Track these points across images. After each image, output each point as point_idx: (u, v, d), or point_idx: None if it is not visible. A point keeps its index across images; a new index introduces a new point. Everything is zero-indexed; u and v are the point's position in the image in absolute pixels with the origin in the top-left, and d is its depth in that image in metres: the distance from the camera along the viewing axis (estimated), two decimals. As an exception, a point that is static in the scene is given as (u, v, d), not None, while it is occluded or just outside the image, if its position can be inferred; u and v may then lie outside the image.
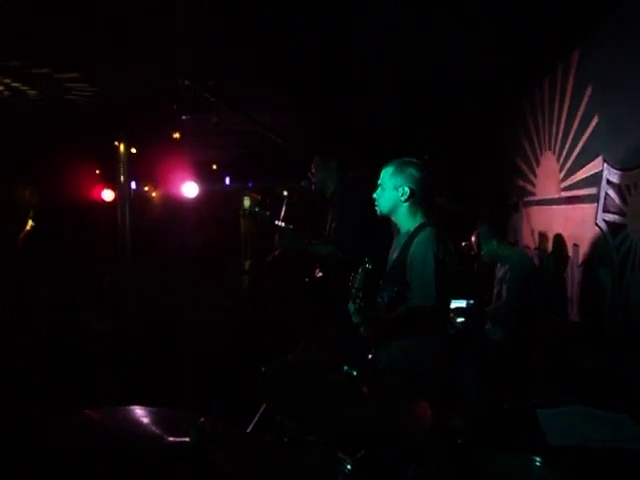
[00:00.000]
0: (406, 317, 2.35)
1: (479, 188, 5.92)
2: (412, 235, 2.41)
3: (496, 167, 5.99)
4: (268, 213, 4.02)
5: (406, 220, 2.47)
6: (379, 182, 2.50)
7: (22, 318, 4.80)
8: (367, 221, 3.17)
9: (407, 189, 2.42)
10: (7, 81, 4.19)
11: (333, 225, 3.71)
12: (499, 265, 4.00)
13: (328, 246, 3.66)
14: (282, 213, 4.33)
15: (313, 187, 3.93)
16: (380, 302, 2.33)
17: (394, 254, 2.50)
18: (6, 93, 4.51)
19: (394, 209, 2.47)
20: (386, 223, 2.81)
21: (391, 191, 2.45)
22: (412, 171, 2.44)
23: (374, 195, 2.53)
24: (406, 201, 2.44)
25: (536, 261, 4.45)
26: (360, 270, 2.26)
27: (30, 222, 5.86)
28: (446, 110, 5.38)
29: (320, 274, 3.96)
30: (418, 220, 2.45)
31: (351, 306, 2.33)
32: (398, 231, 2.56)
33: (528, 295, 3.73)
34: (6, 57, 3.65)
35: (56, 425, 1.26)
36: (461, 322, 3.73)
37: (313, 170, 3.91)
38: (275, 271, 5.66)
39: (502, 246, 3.97)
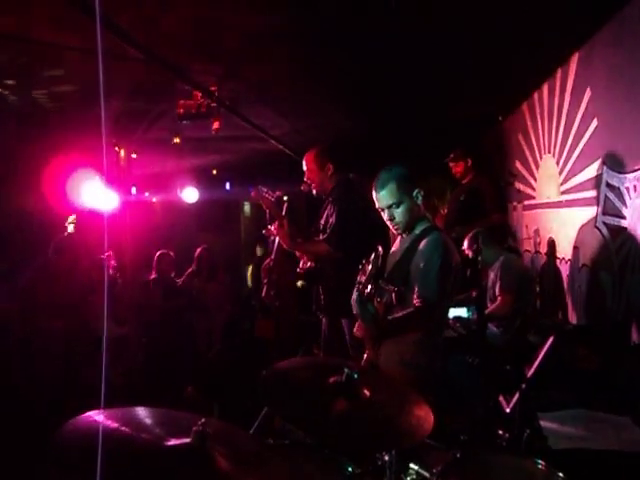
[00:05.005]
0: (404, 318, 2.33)
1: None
2: (418, 238, 2.40)
3: (498, 171, 6.00)
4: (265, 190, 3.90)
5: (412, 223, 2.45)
6: (389, 203, 2.38)
7: (32, 321, 4.78)
8: (368, 222, 3.16)
9: (419, 191, 2.39)
10: (10, 82, 4.18)
11: (330, 223, 3.57)
12: (489, 270, 3.92)
13: (321, 244, 3.58)
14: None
15: (315, 192, 3.82)
16: (379, 301, 2.32)
17: (397, 255, 2.49)
18: (7, 94, 4.49)
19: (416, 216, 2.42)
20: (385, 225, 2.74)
21: (410, 201, 2.39)
22: (409, 175, 2.42)
23: (388, 218, 2.42)
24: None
25: (536, 264, 4.45)
26: (373, 257, 2.22)
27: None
28: (445, 116, 5.39)
29: (310, 264, 3.79)
30: (423, 223, 2.45)
31: (356, 295, 2.25)
32: (400, 234, 2.53)
33: (522, 298, 3.71)
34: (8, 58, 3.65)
35: (59, 426, 1.26)
36: (461, 325, 3.72)
37: (306, 172, 3.72)
38: (273, 276, 5.64)
39: (491, 250, 3.89)
